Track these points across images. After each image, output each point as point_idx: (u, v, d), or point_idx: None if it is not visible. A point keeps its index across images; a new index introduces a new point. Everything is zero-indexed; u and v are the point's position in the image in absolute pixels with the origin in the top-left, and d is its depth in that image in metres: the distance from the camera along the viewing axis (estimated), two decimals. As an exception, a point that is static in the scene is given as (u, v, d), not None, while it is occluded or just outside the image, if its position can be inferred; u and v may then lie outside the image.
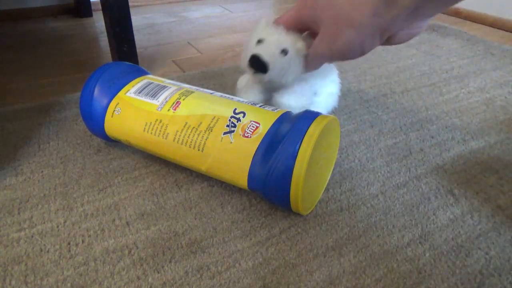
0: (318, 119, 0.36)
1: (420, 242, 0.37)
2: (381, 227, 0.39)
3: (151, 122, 0.41)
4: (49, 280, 0.33)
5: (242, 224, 0.39)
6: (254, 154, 0.36)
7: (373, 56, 0.80)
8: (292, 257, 0.35)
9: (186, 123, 0.40)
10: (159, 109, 0.42)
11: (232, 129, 0.38)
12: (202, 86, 0.67)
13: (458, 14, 1.12)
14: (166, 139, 0.40)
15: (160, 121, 0.41)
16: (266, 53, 0.41)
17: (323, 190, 0.43)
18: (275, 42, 0.41)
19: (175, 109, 0.41)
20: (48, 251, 0.36)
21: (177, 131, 0.40)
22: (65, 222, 0.39)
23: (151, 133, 0.41)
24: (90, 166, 0.47)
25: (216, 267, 0.34)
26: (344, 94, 0.64)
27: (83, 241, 0.37)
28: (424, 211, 0.41)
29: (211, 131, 0.39)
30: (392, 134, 0.54)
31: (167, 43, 0.90)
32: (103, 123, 0.45)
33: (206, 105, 0.41)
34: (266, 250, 0.36)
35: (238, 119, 0.39)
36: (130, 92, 0.44)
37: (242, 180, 0.38)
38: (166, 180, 0.45)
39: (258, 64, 0.41)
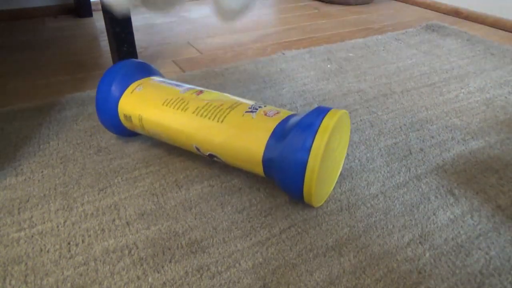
0: (331, 112, 0.38)
1: (420, 242, 0.37)
2: (381, 227, 0.39)
3: (172, 98, 0.43)
4: (49, 280, 0.33)
5: (242, 224, 0.39)
6: (274, 128, 0.38)
7: (373, 56, 0.80)
8: (292, 257, 0.35)
9: (208, 102, 0.42)
10: (182, 92, 0.44)
11: (254, 110, 0.40)
12: (202, 86, 0.67)
13: (458, 14, 1.12)
14: (185, 111, 0.42)
15: (182, 99, 0.43)
16: None
17: (334, 185, 0.43)
18: None
19: (198, 94, 0.44)
20: (48, 251, 0.36)
21: (198, 106, 0.42)
22: (65, 222, 0.39)
23: (170, 106, 0.43)
24: (90, 166, 0.47)
25: (216, 267, 0.34)
26: (344, 94, 0.64)
27: (83, 241, 0.37)
28: (424, 211, 0.41)
29: (233, 109, 0.41)
30: (392, 134, 0.54)
31: (167, 43, 0.90)
32: (118, 102, 0.46)
33: (227, 98, 0.43)
34: (266, 250, 0.36)
35: (260, 106, 0.41)
36: (154, 79, 0.47)
37: (258, 152, 0.38)
38: (166, 180, 0.45)
39: None
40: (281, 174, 0.37)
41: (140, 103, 0.44)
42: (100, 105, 0.47)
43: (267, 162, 0.38)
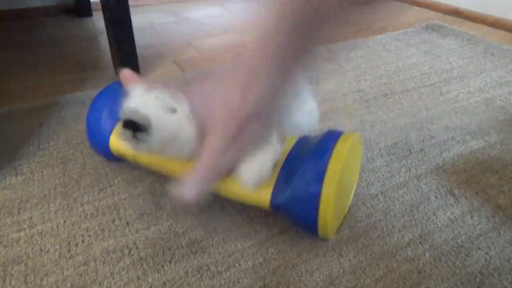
0: (343, 137, 0.35)
1: (420, 242, 0.37)
2: (381, 227, 0.39)
3: None
4: (49, 280, 0.33)
5: (242, 224, 0.39)
6: (278, 174, 0.34)
7: (373, 56, 0.80)
8: (292, 257, 0.35)
9: None
10: None
11: None
12: (202, 86, 0.67)
13: (458, 14, 1.12)
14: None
15: None
16: (145, 106, 0.31)
17: (346, 212, 0.41)
18: (157, 100, 0.31)
19: None
20: (48, 251, 0.36)
21: None
22: (65, 222, 0.39)
23: None
24: (90, 166, 0.47)
25: (216, 267, 0.34)
26: (344, 94, 0.64)
27: (83, 241, 0.37)
28: (424, 211, 0.41)
29: None
30: (392, 134, 0.54)
31: (167, 43, 0.90)
32: (109, 139, 0.42)
33: None
34: (266, 250, 0.36)
35: None
36: None
37: (264, 202, 0.35)
38: (166, 180, 0.44)
39: (134, 123, 0.29)
40: (294, 221, 0.36)
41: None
42: (91, 140, 0.44)
43: (276, 211, 0.36)
